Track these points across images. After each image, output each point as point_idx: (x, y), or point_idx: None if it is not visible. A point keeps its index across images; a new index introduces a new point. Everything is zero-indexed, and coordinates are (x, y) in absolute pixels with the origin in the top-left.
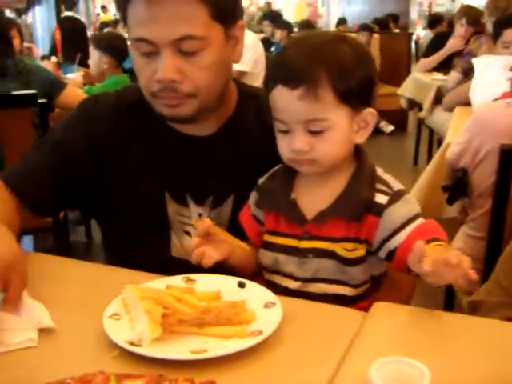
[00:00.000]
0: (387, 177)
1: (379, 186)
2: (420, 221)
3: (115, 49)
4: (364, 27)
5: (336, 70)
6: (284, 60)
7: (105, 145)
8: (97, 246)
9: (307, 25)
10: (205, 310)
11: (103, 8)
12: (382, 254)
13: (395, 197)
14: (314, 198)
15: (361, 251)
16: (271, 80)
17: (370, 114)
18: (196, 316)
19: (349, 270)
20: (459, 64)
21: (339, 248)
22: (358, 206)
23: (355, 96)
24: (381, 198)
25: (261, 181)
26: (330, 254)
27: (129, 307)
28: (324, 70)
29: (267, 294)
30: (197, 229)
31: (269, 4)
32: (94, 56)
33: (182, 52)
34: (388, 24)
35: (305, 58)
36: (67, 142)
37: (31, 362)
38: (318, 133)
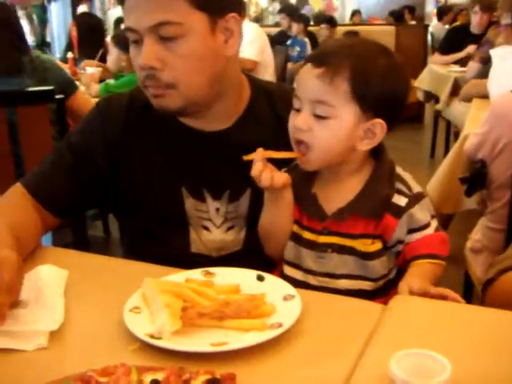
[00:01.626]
0: (406, 175)
1: (398, 186)
2: (429, 231)
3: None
4: (325, 19)
5: (361, 67)
6: (321, 46)
7: (121, 144)
8: (115, 240)
9: (325, 18)
10: (224, 303)
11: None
12: (394, 250)
13: (414, 200)
14: (333, 195)
15: (378, 245)
16: (305, 60)
17: (379, 124)
18: (215, 309)
19: (368, 264)
20: (478, 54)
21: (358, 243)
22: (377, 204)
23: (370, 101)
24: (400, 200)
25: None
26: (350, 250)
27: (149, 301)
28: (349, 61)
29: (286, 287)
30: (255, 156)
31: None
32: (113, 53)
33: (162, 39)
34: (403, 16)
35: (338, 46)
36: (85, 144)
37: (52, 355)
38: (321, 118)
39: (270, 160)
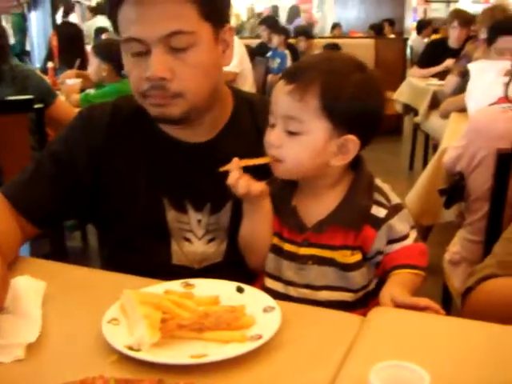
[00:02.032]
0: (385, 187)
1: (377, 197)
2: (408, 242)
3: (114, 56)
4: (302, 32)
5: (332, 83)
6: (296, 62)
7: (103, 153)
8: (93, 251)
9: (303, 30)
10: (204, 315)
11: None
12: (374, 261)
13: (393, 211)
14: (313, 207)
15: (358, 256)
16: (280, 76)
17: (352, 141)
18: (195, 321)
19: (348, 275)
20: (456, 67)
21: (338, 255)
22: (355, 215)
23: (341, 117)
24: (379, 211)
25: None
26: (330, 261)
27: (128, 312)
28: (320, 78)
29: (266, 299)
30: (231, 166)
31: (275, 8)
32: (94, 63)
33: (172, 49)
34: (383, 29)
35: (311, 63)
36: (67, 153)
37: (30, 367)
38: (293, 134)
39: (249, 170)
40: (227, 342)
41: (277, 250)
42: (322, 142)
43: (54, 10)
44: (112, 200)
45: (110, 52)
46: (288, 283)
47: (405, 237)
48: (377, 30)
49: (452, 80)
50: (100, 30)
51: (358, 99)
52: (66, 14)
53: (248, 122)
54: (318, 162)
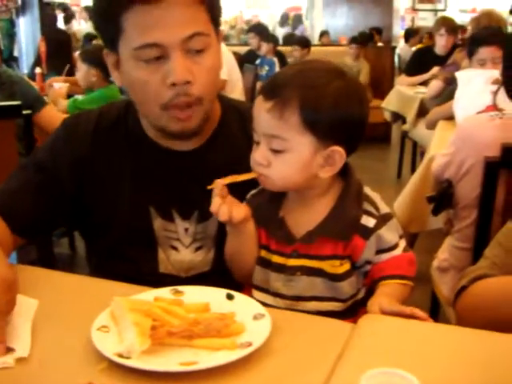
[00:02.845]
0: (374, 195)
1: (366, 206)
2: (397, 252)
3: (102, 61)
4: (353, 39)
5: (311, 96)
6: (274, 75)
7: (88, 162)
8: (81, 258)
9: (299, 40)
10: (194, 322)
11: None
12: (362, 270)
13: (382, 220)
14: (302, 217)
15: (346, 266)
16: (258, 90)
17: (337, 152)
18: (185, 328)
19: (337, 285)
20: (443, 73)
21: (327, 265)
22: (345, 226)
23: (323, 128)
24: (368, 221)
25: (250, 194)
26: (319, 272)
27: (117, 319)
28: (298, 91)
29: (256, 306)
30: (214, 190)
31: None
32: (82, 69)
33: (190, 52)
34: (372, 37)
35: (288, 76)
36: (51, 162)
37: (19, 375)
38: (277, 152)
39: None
40: (217, 349)
41: (264, 263)
42: (307, 157)
43: (42, 17)
44: (97, 209)
45: (98, 57)
46: (276, 295)
47: (394, 247)
48: (365, 38)
49: (436, 84)
50: (89, 36)
51: (340, 109)
52: (68, 20)
53: (237, 130)
54: (305, 176)
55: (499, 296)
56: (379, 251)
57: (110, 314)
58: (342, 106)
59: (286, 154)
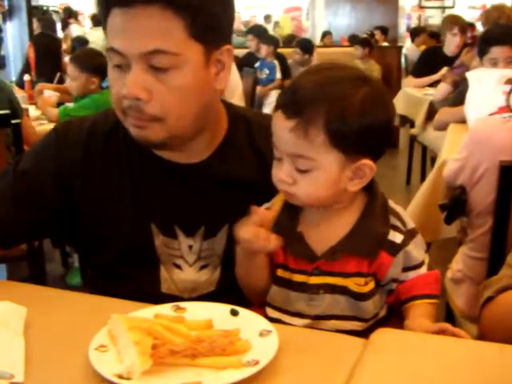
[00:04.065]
0: (399, 209)
1: (393, 221)
2: (423, 270)
3: (101, 67)
4: (359, 41)
5: (336, 112)
6: (292, 86)
7: (78, 174)
8: None
9: (292, 40)
10: (197, 340)
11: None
12: (387, 288)
13: (409, 236)
14: (322, 232)
15: (371, 284)
16: (277, 103)
17: (367, 166)
18: (188, 346)
19: (361, 305)
20: (450, 76)
21: (351, 283)
22: (372, 242)
23: (351, 144)
24: (395, 236)
25: (264, 207)
26: (343, 290)
27: (116, 338)
28: (323, 108)
29: (262, 322)
30: (253, 217)
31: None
32: (81, 77)
33: (153, 68)
34: (374, 37)
35: (310, 90)
36: (35, 172)
37: None
38: (303, 171)
39: (256, 190)
40: (222, 368)
41: (283, 283)
42: (336, 174)
43: (31, 21)
44: (93, 225)
45: (97, 64)
46: (295, 314)
47: (420, 264)
48: (364, 43)
49: (443, 87)
50: (81, 41)
51: (367, 121)
52: (65, 25)
53: (245, 141)
54: (334, 191)
55: None
56: (406, 268)
57: (108, 333)
58: (369, 117)
59: (313, 172)
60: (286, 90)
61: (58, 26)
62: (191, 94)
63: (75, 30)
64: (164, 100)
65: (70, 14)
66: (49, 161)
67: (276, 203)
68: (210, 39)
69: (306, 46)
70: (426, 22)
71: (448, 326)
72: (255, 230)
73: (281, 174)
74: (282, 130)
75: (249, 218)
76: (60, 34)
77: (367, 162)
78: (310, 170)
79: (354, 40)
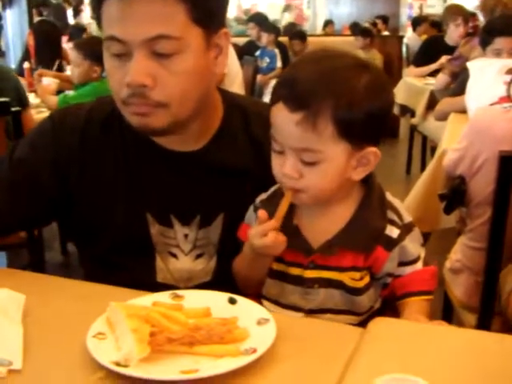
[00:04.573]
0: (396, 202)
1: (390, 215)
2: (419, 265)
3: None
4: (361, 31)
5: (343, 103)
6: (292, 78)
7: (74, 162)
8: (74, 262)
9: (293, 28)
10: (194, 328)
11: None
12: (382, 282)
13: (405, 231)
14: (318, 225)
15: (366, 279)
16: (274, 94)
17: (372, 153)
18: (186, 334)
19: (356, 299)
20: (449, 67)
21: (347, 278)
22: (368, 236)
23: (358, 133)
24: (392, 231)
25: (259, 199)
26: (338, 284)
27: (114, 326)
28: (330, 100)
29: (260, 310)
30: (269, 223)
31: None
32: (84, 65)
33: (156, 54)
34: (377, 26)
35: (313, 81)
36: (31, 159)
37: None
38: (310, 163)
39: (253, 179)
40: (220, 356)
41: (279, 275)
42: (343, 164)
43: (31, 8)
44: (87, 214)
45: (99, 52)
46: (290, 307)
47: (416, 259)
48: (365, 33)
49: (441, 78)
50: (76, 28)
51: (373, 109)
52: (77, 13)
53: (241, 130)
54: (340, 182)
55: None
56: (402, 263)
57: (106, 320)
58: (374, 103)
59: (320, 164)
60: (284, 81)
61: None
62: (194, 78)
63: (86, 17)
64: (168, 85)
65: (80, 2)
66: (45, 148)
67: (283, 205)
68: (209, 23)
69: (303, 35)
70: (428, 11)
71: (444, 323)
72: (274, 236)
73: (285, 168)
74: (286, 123)
75: (264, 225)
76: (71, 21)
77: (372, 149)
78: (317, 163)
79: (355, 28)
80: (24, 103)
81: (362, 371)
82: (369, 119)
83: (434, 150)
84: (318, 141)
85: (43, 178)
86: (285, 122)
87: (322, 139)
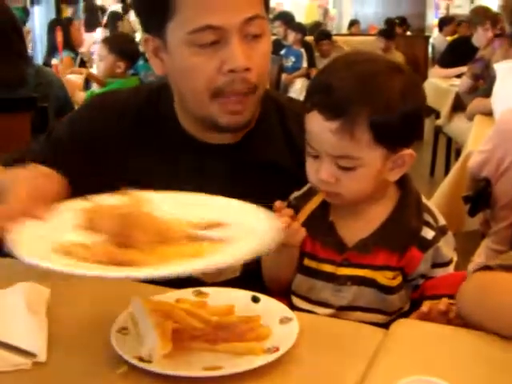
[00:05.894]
0: (431, 205)
1: (426, 217)
2: (451, 268)
3: (129, 52)
4: (381, 32)
5: (380, 109)
6: (326, 84)
7: (108, 147)
8: None
9: (325, 34)
10: (217, 326)
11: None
12: (414, 283)
13: (440, 233)
14: (354, 224)
15: (399, 278)
16: (308, 102)
17: (408, 155)
18: (208, 331)
19: (387, 298)
20: (470, 69)
21: (380, 276)
22: (404, 236)
23: (394, 137)
24: (427, 233)
25: (294, 196)
26: (371, 282)
27: (137, 321)
28: (366, 108)
29: (283, 309)
30: (281, 211)
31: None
32: (108, 59)
33: (248, 37)
34: (405, 24)
35: (348, 89)
36: (68, 139)
37: (35, 379)
38: (347, 168)
39: (287, 174)
40: (242, 354)
41: (310, 272)
42: (379, 168)
43: (58, 4)
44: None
45: (126, 48)
46: (320, 304)
47: (449, 262)
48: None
49: (464, 81)
50: (115, 16)
51: (408, 112)
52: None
53: (277, 126)
54: (376, 184)
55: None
56: (435, 265)
57: (130, 316)
58: (409, 107)
59: (357, 170)
60: (318, 88)
61: None
62: (270, 61)
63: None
64: (260, 67)
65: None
66: (82, 129)
67: (312, 202)
68: (269, 8)
69: (329, 35)
70: (455, 11)
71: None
72: (287, 221)
73: (321, 174)
74: (323, 131)
75: (280, 213)
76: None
77: (407, 151)
78: (354, 168)
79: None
80: (69, 109)
81: (385, 372)
82: (404, 122)
83: (458, 151)
84: (355, 148)
85: (78, 158)
86: (321, 129)
87: (359, 146)
